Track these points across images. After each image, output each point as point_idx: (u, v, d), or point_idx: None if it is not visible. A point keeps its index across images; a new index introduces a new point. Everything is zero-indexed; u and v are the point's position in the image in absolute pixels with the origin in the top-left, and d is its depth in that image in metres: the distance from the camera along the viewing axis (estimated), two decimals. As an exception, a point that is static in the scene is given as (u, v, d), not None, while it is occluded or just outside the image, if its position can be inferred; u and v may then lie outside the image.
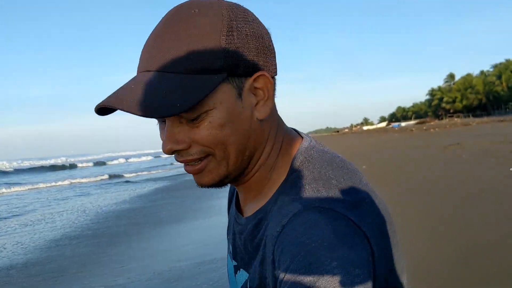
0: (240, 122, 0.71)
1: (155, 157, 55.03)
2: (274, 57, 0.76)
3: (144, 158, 53.43)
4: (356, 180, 0.73)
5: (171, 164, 33.65)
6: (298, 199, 0.69)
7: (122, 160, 50.17)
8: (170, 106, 0.63)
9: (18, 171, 35.15)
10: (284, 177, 0.76)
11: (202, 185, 0.75)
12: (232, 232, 0.87)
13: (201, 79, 0.65)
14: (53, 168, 38.15)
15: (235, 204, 0.88)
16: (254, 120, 0.73)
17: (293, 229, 0.64)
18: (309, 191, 0.69)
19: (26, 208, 12.53)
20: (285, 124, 0.82)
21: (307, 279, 0.59)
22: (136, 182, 19.32)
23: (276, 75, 0.76)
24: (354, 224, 0.65)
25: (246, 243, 0.79)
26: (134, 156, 62.66)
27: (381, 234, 0.68)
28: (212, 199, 10.44)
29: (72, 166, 40.97)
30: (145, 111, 0.62)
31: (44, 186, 20.64)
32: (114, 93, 0.67)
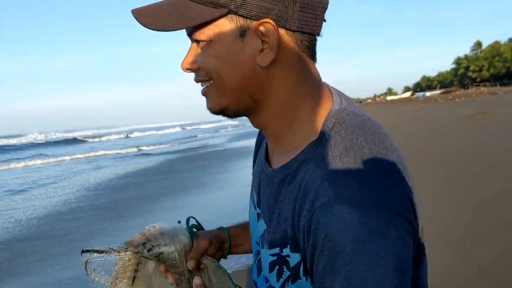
0: (238, 61, 0.74)
1: (182, 129, 56.01)
2: (309, 11, 0.74)
3: (171, 130, 54.25)
4: (387, 148, 0.73)
5: (195, 136, 34.09)
6: (328, 179, 0.68)
7: (149, 133, 50.99)
8: (164, 24, 0.73)
9: (48, 144, 36.26)
10: (314, 138, 0.75)
11: (209, 110, 0.82)
12: (258, 180, 0.90)
13: (201, 9, 0.72)
14: (77, 141, 39.04)
15: (264, 151, 0.91)
16: (257, 65, 0.74)
17: (326, 220, 0.65)
18: (340, 170, 0.68)
19: (47, 180, 12.92)
20: (319, 83, 0.81)
21: (336, 264, 0.63)
22: (155, 154, 19.67)
23: (302, 29, 0.75)
24: (393, 213, 0.65)
25: (269, 196, 0.82)
26: (162, 128, 63.57)
27: (413, 212, 0.69)
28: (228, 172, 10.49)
29: (98, 138, 42.02)
30: (147, 24, 0.74)
31: (69, 158, 21.22)
32: (142, 7, 0.78)
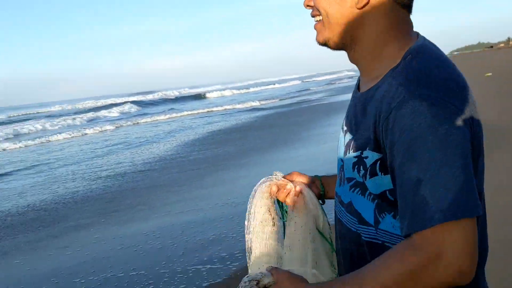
0: (341, 2, 0.98)
1: (302, 81, 55.97)
2: None
3: (290, 83, 54.77)
4: (458, 75, 0.91)
5: (308, 89, 34.11)
6: (403, 84, 0.86)
7: (269, 86, 51.98)
8: None
9: (179, 99, 40.04)
10: (394, 65, 0.93)
11: (316, 41, 1.07)
12: (349, 107, 1.11)
13: None
14: (200, 97, 41.74)
15: (356, 87, 1.10)
16: (354, 6, 0.97)
17: (401, 114, 0.84)
18: (412, 78, 0.87)
19: (163, 135, 14.61)
20: (408, 29, 1.00)
21: (412, 150, 0.81)
22: (266, 109, 20.56)
23: None
24: (456, 108, 0.83)
25: (357, 113, 1.01)
26: (283, 81, 64.01)
27: (477, 124, 0.87)
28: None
29: (220, 92, 44.43)
30: None
31: (188, 113, 23.24)
32: None
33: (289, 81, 60.97)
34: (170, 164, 9.18)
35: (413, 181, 0.81)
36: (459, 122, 0.82)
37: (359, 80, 1.09)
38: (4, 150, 15.09)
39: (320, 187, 1.25)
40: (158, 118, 22.43)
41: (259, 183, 1.22)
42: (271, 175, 1.23)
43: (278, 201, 1.24)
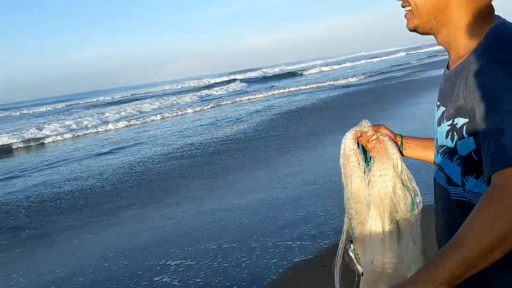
0: None
1: (407, 53, 54.48)
2: None
3: (395, 56, 53.62)
4: None
5: (408, 63, 32.74)
6: (483, 54, 1.02)
7: (372, 60, 51.13)
8: None
9: (275, 77, 40.88)
10: (476, 44, 1.07)
11: (407, 28, 1.21)
12: (440, 86, 1.24)
13: None
14: (294, 75, 41.86)
15: (446, 66, 1.24)
16: None
17: (481, 78, 0.99)
18: (492, 47, 1.02)
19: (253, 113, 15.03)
20: (490, 10, 1.11)
21: (493, 104, 0.94)
22: (350, 86, 20.30)
23: None
24: None
25: (447, 87, 1.15)
26: (388, 53, 62.42)
27: None
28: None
29: (319, 68, 44.19)
30: None
31: (276, 92, 23.49)
32: None
33: (395, 53, 58.60)
34: (268, 140, 9.50)
35: (494, 131, 0.92)
36: None
37: (447, 62, 1.22)
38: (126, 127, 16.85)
39: (400, 143, 1.39)
40: (266, 94, 23.17)
41: (349, 130, 1.41)
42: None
43: (362, 146, 1.41)
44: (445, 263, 0.90)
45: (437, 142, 1.21)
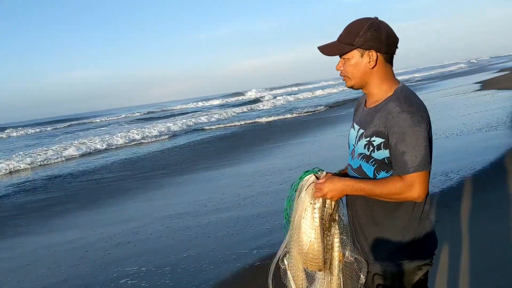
0: (360, 67, 1.86)
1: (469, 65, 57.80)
2: (390, 44, 1.84)
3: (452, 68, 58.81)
4: (421, 102, 1.81)
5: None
6: (397, 105, 1.75)
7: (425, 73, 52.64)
8: (331, 53, 1.90)
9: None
10: (390, 94, 1.83)
11: (347, 86, 1.94)
12: (357, 115, 2.02)
13: (346, 47, 1.86)
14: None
15: (363, 105, 1.98)
16: (368, 68, 1.85)
17: (397, 120, 1.73)
18: (402, 102, 1.76)
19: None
20: (393, 76, 1.91)
21: (402, 137, 1.71)
22: None
23: (386, 53, 1.85)
24: (423, 120, 1.73)
25: (367, 118, 1.88)
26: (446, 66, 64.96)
27: (430, 128, 1.78)
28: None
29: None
30: (326, 53, 1.91)
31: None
32: (323, 45, 1.92)
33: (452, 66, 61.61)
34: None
35: (400, 152, 1.72)
36: (424, 125, 1.73)
37: (364, 102, 1.98)
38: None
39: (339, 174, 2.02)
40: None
41: (307, 180, 1.88)
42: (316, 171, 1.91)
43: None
44: (360, 185, 1.77)
45: (354, 152, 1.93)
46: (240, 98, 59.06)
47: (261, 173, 8.30)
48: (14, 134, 36.82)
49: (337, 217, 1.88)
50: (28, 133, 36.82)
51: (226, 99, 59.02)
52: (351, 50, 1.84)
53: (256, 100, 43.33)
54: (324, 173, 1.88)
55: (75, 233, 6.16)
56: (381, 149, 1.79)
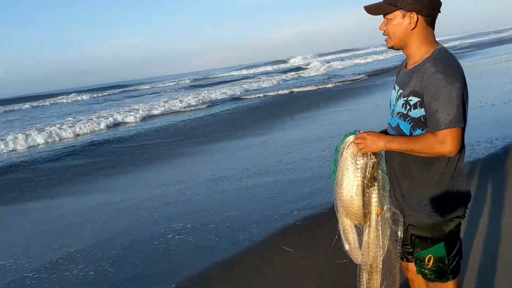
0: (401, 28, 1.94)
1: None
2: (431, 7, 1.90)
3: None
4: (457, 63, 1.89)
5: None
6: (433, 66, 1.85)
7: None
8: (374, 12, 2.00)
9: None
10: (427, 56, 1.92)
11: (387, 47, 2.03)
12: (399, 78, 2.11)
13: (388, 7, 1.95)
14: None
15: (404, 66, 2.08)
16: (408, 29, 1.93)
17: (431, 80, 1.83)
18: (438, 63, 1.85)
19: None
20: (433, 39, 1.97)
21: (436, 96, 1.82)
22: None
23: (428, 16, 1.91)
24: (457, 80, 1.81)
25: (406, 79, 1.98)
26: None
27: (465, 89, 1.86)
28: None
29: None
30: (370, 12, 2.01)
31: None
32: (369, 4, 2.00)
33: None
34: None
35: (434, 110, 1.81)
36: (458, 84, 1.80)
37: (405, 64, 2.07)
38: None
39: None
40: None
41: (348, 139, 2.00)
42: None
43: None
44: (397, 139, 1.89)
45: (393, 112, 2.03)
46: (285, 65, 58.90)
47: (303, 140, 8.40)
48: (64, 100, 38.28)
49: (377, 174, 1.97)
50: (77, 100, 38.16)
51: (270, 67, 59.01)
52: (394, 11, 1.92)
53: (300, 68, 42.99)
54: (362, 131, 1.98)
55: (125, 194, 6.50)
56: (417, 108, 1.89)
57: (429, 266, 1.97)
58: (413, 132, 1.92)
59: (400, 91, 2.00)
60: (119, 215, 5.53)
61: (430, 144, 1.82)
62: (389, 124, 2.08)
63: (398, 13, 1.91)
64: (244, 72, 56.22)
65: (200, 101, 20.71)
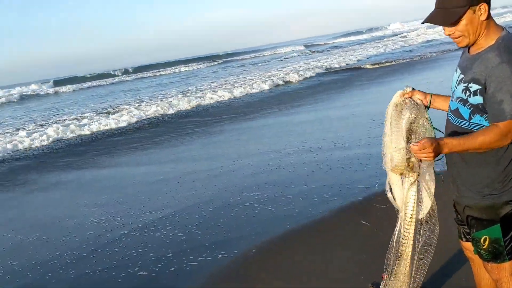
0: (474, 22, 1.88)
1: None
2: None
3: None
4: None
5: None
6: (497, 55, 1.83)
7: None
8: (448, 22, 1.90)
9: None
10: (492, 43, 1.89)
11: (462, 46, 1.97)
12: (461, 60, 2.09)
13: (457, 10, 1.87)
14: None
15: (467, 52, 2.03)
16: (480, 20, 1.89)
17: (496, 71, 1.80)
18: (502, 52, 1.83)
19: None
20: (495, 22, 1.93)
21: (500, 86, 1.79)
22: None
23: (489, 1, 1.88)
24: None
25: (468, 64, 1.96)
26: None
27: None
28: None
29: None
30: (435, 23, 1.95)
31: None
32: (428, 15, 1.97)
33: None
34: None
35: (498, 101, 1.79)
36: None
37: (468, 50, 2.01)
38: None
39: (429, 99, 2.12)
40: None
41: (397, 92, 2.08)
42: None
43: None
44: (460, 141, 1.83)
45: (453, 95, 2.03)
46: (382, 33, 56.16)
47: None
48: (163, 72, 39.99)
49: (417, 127, 2.01)
50: (177, 72, 39.63)
51: (370, 34, 56.68)
52: (466, 11, 1.86)
53: (399, 34, 40.78)
54: (410, 88, 2.07)
55: (211, 164, 6.92)
56: (477, 95, 1.88)
57: (484, 247, 1.98)
58: (472, 117, 1.93)
59: (462, 75, 1.98)
60: (207, 183, 5.93)
61: (495, 136, 1.79)
62: (449, 107, 2.08)
63: (468, 11, 1.86)
64: (344, 39, 54.55)
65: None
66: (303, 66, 21.71)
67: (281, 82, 17.29)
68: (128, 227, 4.75)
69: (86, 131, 11.95)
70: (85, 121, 13.26)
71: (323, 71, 19.60)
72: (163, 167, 7.30)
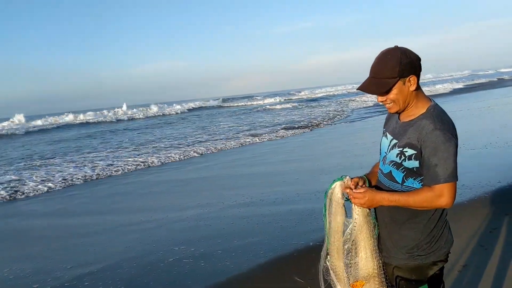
0: (404, 92, 2.03)
1: None
2: (419, 66, 2.03)
3: None
4: (451, 120, 2.00)
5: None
6: (431, 123, 1.95)
7: None
8: (379, 91, 2.05)
9: None
10: (423, 112, 2.02)
11: (393, 112, 2.12)
12: (391, 127, 2.18)
13: (388, 81, 2.02)
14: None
15: (397, 118, 2.16)
16: (410, 91, 2.03)
17: (430, 136, 1.93)
18: (435, 121, 1.96)
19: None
20: (424, 93, 2.09)
21: (435, 151, 1.92)
22: None
23: (418, 74, 2.03)
24: (453, 137, 1.94)
25: (401, 131, 2.07)
26: None
27: (457, 144, 1.97)
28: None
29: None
30: (368, 91, 2.06)
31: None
32: (362, 84, 2.08)
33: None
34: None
35: (433, 165, 1.91)
36: (454, 141, 1.92)
37: (398, 116, 2.15)
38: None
39: (366, 181, 2.22)
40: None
41: (335, 182, 2.13)
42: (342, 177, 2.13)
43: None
44: (395, 197, 1.98)
45: (386, 158, 2.13)
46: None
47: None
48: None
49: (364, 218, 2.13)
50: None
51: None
52: (396, 82, 2.01)
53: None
54: (348, 177, 2.12)
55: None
56: (412, 160, 1.99)
57: None
58: (405, 180, 2.04)
59: (395, 141, 2.10)
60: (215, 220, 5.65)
61: (429, 197, 1.92)
62: (380, 169, 2.20)
63: (399, 82, 2.00)
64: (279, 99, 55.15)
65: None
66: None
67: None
68: (51, 283, 4.44)
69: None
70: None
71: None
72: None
